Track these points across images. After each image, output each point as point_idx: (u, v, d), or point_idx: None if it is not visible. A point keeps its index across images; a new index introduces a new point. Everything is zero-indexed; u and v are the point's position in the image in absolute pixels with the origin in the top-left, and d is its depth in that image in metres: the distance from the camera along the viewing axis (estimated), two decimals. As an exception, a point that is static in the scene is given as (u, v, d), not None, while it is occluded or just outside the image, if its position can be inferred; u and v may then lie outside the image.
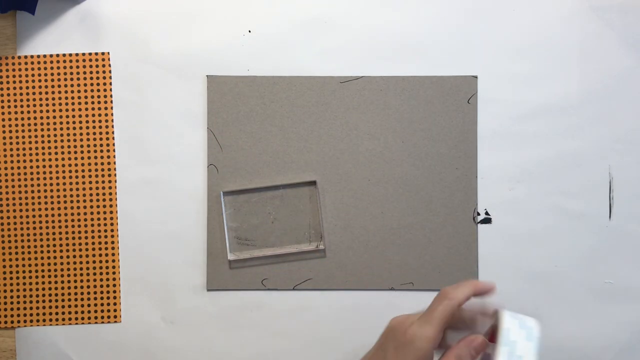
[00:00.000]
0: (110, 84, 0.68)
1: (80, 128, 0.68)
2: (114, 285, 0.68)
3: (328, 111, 0.67)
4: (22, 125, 0.68)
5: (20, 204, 0.68)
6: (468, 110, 0.66)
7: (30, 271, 0.68)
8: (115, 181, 0.68)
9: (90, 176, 0.68)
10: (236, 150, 0.67)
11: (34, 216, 0.68)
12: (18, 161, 0.68)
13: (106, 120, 0.68)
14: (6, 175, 0.68)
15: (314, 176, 0.66)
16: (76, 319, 0.68)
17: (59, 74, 0.68)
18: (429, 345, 0.51)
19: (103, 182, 0.68)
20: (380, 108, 0.66)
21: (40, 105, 0.68)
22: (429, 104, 0.66)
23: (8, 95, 0.68)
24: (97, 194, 0.68)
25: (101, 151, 0.68)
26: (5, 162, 0.68)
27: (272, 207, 0.66)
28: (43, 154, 0.68)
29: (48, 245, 0.68)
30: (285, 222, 0.66)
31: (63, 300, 0.68)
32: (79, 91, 0.68)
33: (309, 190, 0.66)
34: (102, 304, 0.68)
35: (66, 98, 0.68)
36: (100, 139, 0.68)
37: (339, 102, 0.67)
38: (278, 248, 0.66)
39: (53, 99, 0.68)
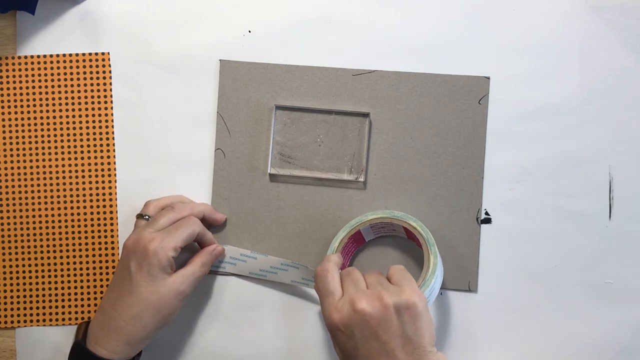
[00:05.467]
0: (110, 84, 0.68)
1: (80, 128, 0.68)
2: (114, 285, 0.68)
3: (338, 103, 0.67)
4: (22, 125, 0.68)
5: (20, 204, 0.68)
6: (478, 111, 0.66)
7: (30, 271, 0.68)
8: (115, 181, 0.68)
9: (90, 176, 0.68)
10: (245, 137, 0.67)
11: (34, 216, 0.68)
12: (18, 161, 0.68)
13: (106, 120, 0.68)
14: (6, 175, 0.68)
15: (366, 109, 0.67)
16: (76, 319, 0.68)
17: (59, 74, 0.68)
18: (170, 254, 0.59)
19: (103, 182, 0.68)
20: (391, 103, 0.66)
21: (40, 105, 0.68)
22: (440, 102, 0.66)
23: (8, 95, 0.68)
24: (97, 194, 0.68)
25: (101, 151, 0.68)
26: (5, 162, 0.68)
27: (321, 130, 0.66)
28: (43, 154, 0.68)
29: (48, 245, 0.68)
30: (331, 148, 0.66)
31: (63, 300, 0.68)
32: (79, 91, 0.68)
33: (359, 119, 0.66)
34: (102, 304, 0.68)
35: (66, 98, 0.68)
36: (100, 139, 0.68)
37: (350, 95, 0.67)
38: (319, 172, 0.66)
39: (53, 99, 0.68)
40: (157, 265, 0.59)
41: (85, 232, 0.68)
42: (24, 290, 0.68)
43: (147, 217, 0.63)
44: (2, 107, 0.68)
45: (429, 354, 0.54)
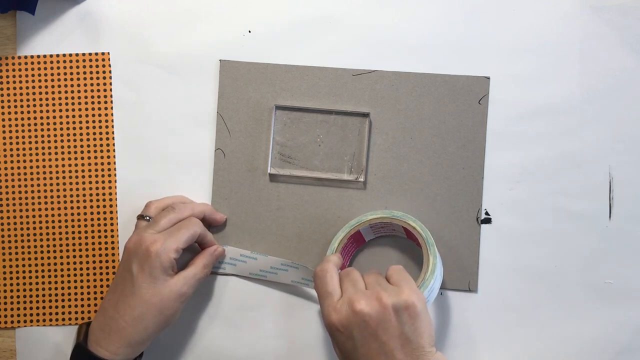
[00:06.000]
0: (110, 84, 0.68)
1: (80, 128, 0.68)
2: (114, 285, 0.68)
3: (338, 103, 0.67)
4: (22, 125, 0.68)
5: (20, 204, 0.68)
6: (478, 111, 0.66)
7: (30, 271, 0.68)
8: (115, 181, 0.68)
9: (90, 176, 0.68)
10: (245, 137, 0.67)
11: (34, 216, 0.68)
12: (18, 161, 0.68)
13: (106, 120, 0.68)
14: (6, 175, 0.68)
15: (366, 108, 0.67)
16: (76, 319, 0.68)
17: (59, 74, 0.68)
18: (172, 256, 0.60)
19: (103, 182, 0.68)
20: (391, 103, 0.66)
21: (40, 105, 0.68)
22: (440, 102, 0.66)
23: (8, 95, 0.68)
24: (97, 194, 0.68)
25: (101, 151, 0.68)
26: (5, 162, 0.68)
27: (322, 130, 0.66)
28: (43, 154, 0.68)
29: (48, 245, 0.68)
30: (331, 148, 0.66)
31: (63, 300, 0.68)
32: (79, 91, 0.68)
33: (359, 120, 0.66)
34: (102, 304, 0.68)
35: (66, 98, 0.68)
36: (100, 139, 0.68)
37: (350, 95, 0.67)
38: (319, 172, 0.66)
39: (53, 99, 0.68)
40: (159, 267, 0.59)
41: (85, 232, 0.68)
42: (24, 290, 0.68)
43: (147, 217, 0.63)
44: (2, 107, 0.68)
45: (428, 354, 0.54)
